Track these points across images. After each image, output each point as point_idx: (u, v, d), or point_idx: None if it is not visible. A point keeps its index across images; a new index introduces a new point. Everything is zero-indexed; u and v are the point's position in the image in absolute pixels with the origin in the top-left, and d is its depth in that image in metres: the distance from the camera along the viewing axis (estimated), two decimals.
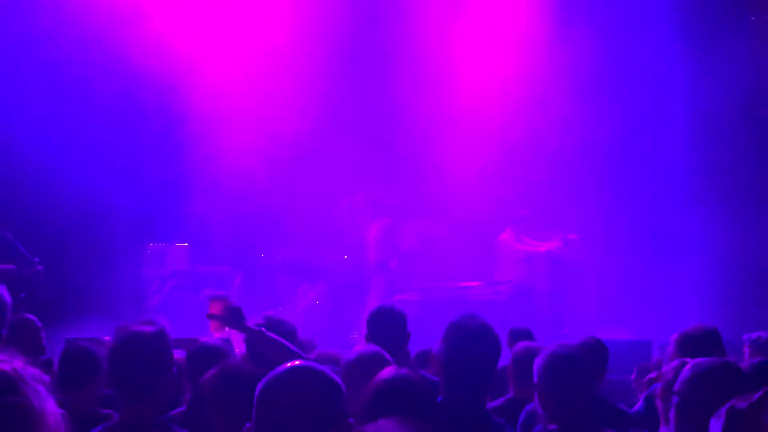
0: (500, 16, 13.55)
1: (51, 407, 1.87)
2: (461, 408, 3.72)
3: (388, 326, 5.31)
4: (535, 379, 4.06)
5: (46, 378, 1.91)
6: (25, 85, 12.04)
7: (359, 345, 4.71)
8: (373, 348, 4.44)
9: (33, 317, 6.46)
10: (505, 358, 5.17)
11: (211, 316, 5.33)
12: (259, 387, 2.25)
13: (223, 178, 12.83)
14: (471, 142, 12.90)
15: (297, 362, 2.31)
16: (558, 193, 13.07)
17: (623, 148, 13.29)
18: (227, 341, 7.33)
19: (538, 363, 4.08)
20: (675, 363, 3.75)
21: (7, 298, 4.59)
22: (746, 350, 6.88)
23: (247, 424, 2.23)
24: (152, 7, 12.61)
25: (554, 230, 12.92)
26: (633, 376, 7.16)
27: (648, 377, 5.38)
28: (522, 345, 5.63)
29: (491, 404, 5.24)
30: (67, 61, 12.08)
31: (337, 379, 2.28)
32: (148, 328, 3.61)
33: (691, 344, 5.36)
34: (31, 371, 1.89)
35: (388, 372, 3.08)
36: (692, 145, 13.07)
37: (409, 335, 5.39)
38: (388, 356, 4.27)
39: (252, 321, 4.66)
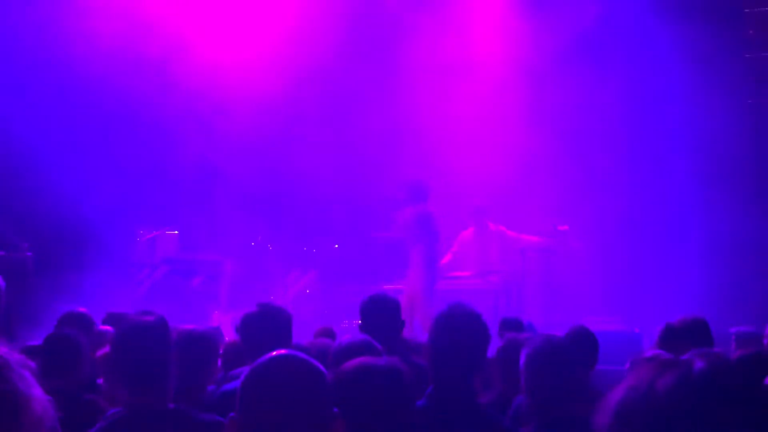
0: (485, 11, 13.60)
1: (37, 393, 1.86)
2: (449, 397, 3.72)
3: (381, 314, 5.30)
4: (522, 372, 4.05)
5: (32, 364, 1.90)
6: (13, 75, 12.00)
7: (348, 334, 4.71)
8: (362, 337, 4.44)
9: (85, 310, 6.49)
10: (496, 348, 5.15)
11: None
12: (243, 376, 2.26)
13: (214, 165, 12.82)
14: (463, 129, 12.93)
15: (282, 351, 2.31)
16: (549, 183, 13.07)
17: (616, 138, 13.30)
18: (217, 329, 7.34)
19: (524, 355, 4.06)
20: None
21: (1, 283, 4.59)
22: (733, 344, 6.89)
23: (231, 414, 2.23)
24: None
25: (545, 221, 12.92)
26: (627, 367, 7.14)
27: None
28: (509, 337, 5.59)
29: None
30: (56, 51, 12.06)
31: (322, 368, 2.28)
32: (149, 318, 3.67)
33: (677, 336, 5.36)
34: (16, 357, 1.88)
35: (359, 359, 3.06)
36: (686, 132, 13.07)
37: (404, 323, 5.38)
38: (377, 345, 4.27)
39: (246, 309, 4.66)
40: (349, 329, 11.13)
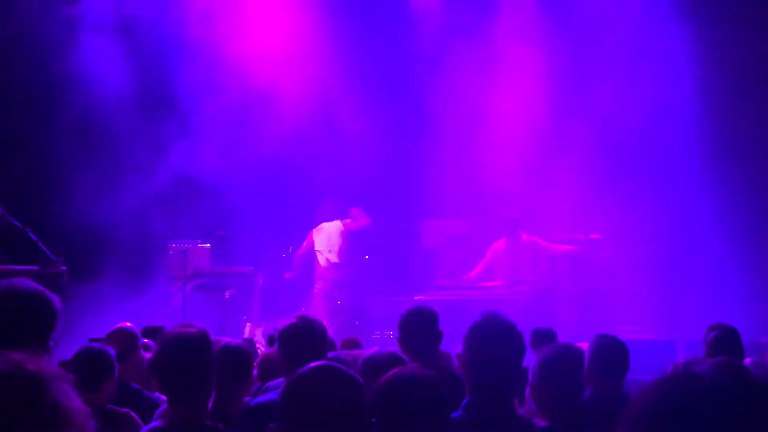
0: (510, 25, 13.61)
1: (78, 405, 1.88)
2: (487, 408, 3.70)
3: (419, 326, 5.30)
4: (530, 377, 4.12)
5: (70, 376, 1.91)
6: (34, 89, 12.13)
7: (375, 346, 4.72)
8: (389, 349, 4.45)
9: (130, 324, 6.59)
10: (529, 359, 5.14)
11: None
12: (282, 387, 2.27)
13: (245, 178, 12.88)
14: (494, 141, 12.91)
15: (320, 363, 2.32)
16: (580, 191, 13.02)
17: (646, 146, 13.24)
18: (250, 341, 7.37)
19: (534, 362, 4.14)
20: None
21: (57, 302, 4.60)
22: (767, 354, 6.83)
23: (271, 424, 2.24)
24: None
25: (577, 230, 12.87)
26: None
27: None
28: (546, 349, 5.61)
29: None
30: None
31: (360, 379, 2.29)
32: (191, 330, 3.65)
33: (709, 344, 5.37)
34: (56, 370, 1.89)
35: (398, 370, 3.07)
36: (715, 138, 12.96)
37: (442, 335, 5.38)
38: (404, 357, 4.27)
39: (282, 321, 4.68)
40: (380, 341, 11.14)
